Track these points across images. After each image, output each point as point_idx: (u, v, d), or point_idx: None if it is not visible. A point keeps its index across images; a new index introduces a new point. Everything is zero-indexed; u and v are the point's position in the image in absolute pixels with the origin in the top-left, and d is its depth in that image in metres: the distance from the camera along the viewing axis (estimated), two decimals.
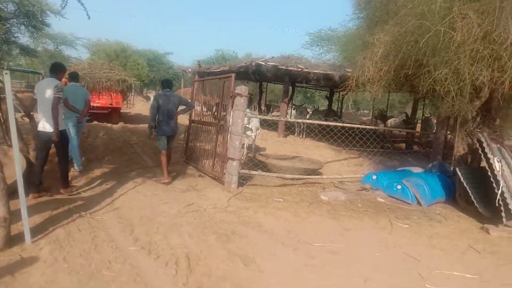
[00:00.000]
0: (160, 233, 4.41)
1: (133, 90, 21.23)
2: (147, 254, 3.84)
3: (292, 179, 7.21)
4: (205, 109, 8.53)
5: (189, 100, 7.88)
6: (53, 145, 5.41)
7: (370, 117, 27.69)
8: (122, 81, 14.22)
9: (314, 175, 7.58)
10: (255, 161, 7.72)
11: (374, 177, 7.32)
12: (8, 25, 24.56)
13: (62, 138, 5.39)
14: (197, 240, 4.27)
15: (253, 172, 6.81)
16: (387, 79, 7.33)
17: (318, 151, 11.15)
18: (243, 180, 6.81)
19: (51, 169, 6.68)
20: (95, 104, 13.91)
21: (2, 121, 5.54)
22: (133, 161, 8.02)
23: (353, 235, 4.91)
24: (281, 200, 6.15)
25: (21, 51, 26.84)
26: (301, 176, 7.27)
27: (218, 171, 6.82)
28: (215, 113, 7.71)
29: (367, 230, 5.16)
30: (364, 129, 8.55)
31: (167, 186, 6.41)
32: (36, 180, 5.31)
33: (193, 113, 8.40)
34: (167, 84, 6.93)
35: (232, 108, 6.51)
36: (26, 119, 5.69)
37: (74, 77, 7.46)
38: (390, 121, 16.81)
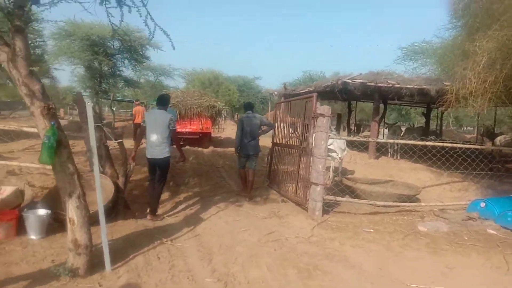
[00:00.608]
0: (238, 263, 4.19)
1: (223, 115, 21.97)
2: None
3: (385, 206, 6.53)
4: (291, 130, 8.33)
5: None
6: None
7: (475, 135, 25.01)
8: (212, 106, 14.72)
9: (410, 201, 6.80)
10: (341, 186, 7.20)
11: (483, 204, 6.31)
12: (114, 60, 27.39)
13: (168, 164, 5.82)
14: (276, 274, 3.95)
15: (340, 199, 6.33)
16: (494, 91, 6.36)
17: (414, 174, 10.16)
18: (328, 207, 6.35)
19: (139, 194, 6.97)
20: (186, 130, 14.59)
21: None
22: (218, 185, 8.04)
23: (459, 275, 4.17)
24: (372, 230, 5.56)
25: (125, 83, 29.65)
26: (395, 203, 6.55)
27: (301, 197, 6.47)
28: (298, 135, 7.44)
29: (475, 269, 4.36)
30: (468, 148, 7.52)
31: (249, 212, 6.24)
32: (155, 208, 5.82)
33: (277, 135, 8.23)
34: (248, 106, 7.47)
35: (314, 130, 6.17)
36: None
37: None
38: (499, 139, 14.89)
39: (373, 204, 6.50)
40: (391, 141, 9.19)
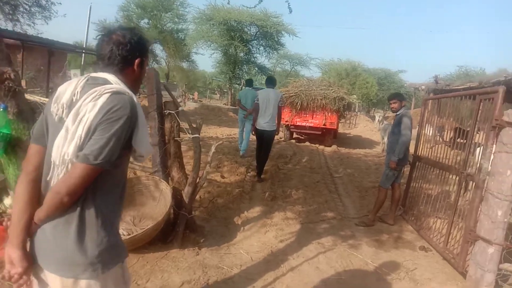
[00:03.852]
0: None
1: (354, 110, 19.49)
2: None
3: None
4: (436, 133, 5.90)
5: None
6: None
7: None
8: (340, 99, 12.49)
9: None
10: None
11: None
12: (249, 47, 26.99)
13: (274, 135, 6.93)
14: None
15: None
16: None
17: None
18: (503, 280, 3.76)
19: (225, 203, 5.37)
20: (307, 124, 12.75)
21: (165, 142, 4.41)
22: (328, 206, 5.88)
23: None
24: None
25: (258, 70, 29.17)
26: None
27: (457, 254, 3.99)
28: (446, 143, 4.90)
29: None
30: None
31: (366, 262, 4.06)
32: (260, 172, 6.92)
33: (421, 143, 5.74)
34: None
35: (494, 148, 3.65)
36: None
37: (249, 83, 9.44)
38: None
39: None
40: None
